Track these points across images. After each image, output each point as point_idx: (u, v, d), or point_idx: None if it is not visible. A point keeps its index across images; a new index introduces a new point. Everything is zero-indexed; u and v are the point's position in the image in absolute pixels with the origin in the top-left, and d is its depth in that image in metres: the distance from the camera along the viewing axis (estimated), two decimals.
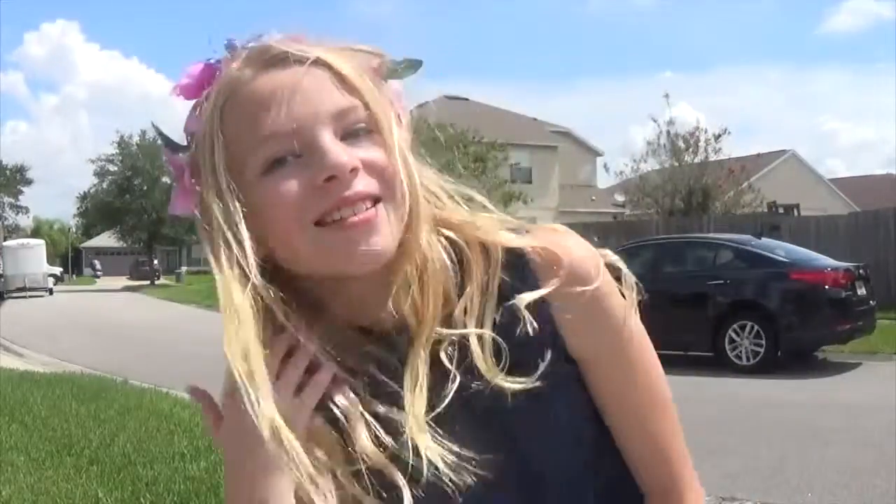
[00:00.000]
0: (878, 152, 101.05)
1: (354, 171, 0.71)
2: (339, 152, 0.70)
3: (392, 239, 0.73)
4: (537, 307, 0.77)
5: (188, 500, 3.89)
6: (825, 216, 18.25)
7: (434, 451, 0.73)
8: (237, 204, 0.72)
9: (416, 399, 0.74)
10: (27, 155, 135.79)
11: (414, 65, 0.81)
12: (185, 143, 0.77)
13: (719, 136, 21.38)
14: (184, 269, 49.69)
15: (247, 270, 0.71)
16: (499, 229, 0.80)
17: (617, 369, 0.82)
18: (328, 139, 0.71)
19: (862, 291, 9.26)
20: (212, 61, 0.77)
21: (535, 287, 0.77)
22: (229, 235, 0.72)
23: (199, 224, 0.75)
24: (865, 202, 28.48)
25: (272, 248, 0.74)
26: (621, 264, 0.83)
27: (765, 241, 10.24)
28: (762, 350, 8.83)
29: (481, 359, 0.75)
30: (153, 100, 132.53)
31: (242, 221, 0.72)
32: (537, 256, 0.79)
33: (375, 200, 0.72)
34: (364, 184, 0.72)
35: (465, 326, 0.76)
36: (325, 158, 0.70)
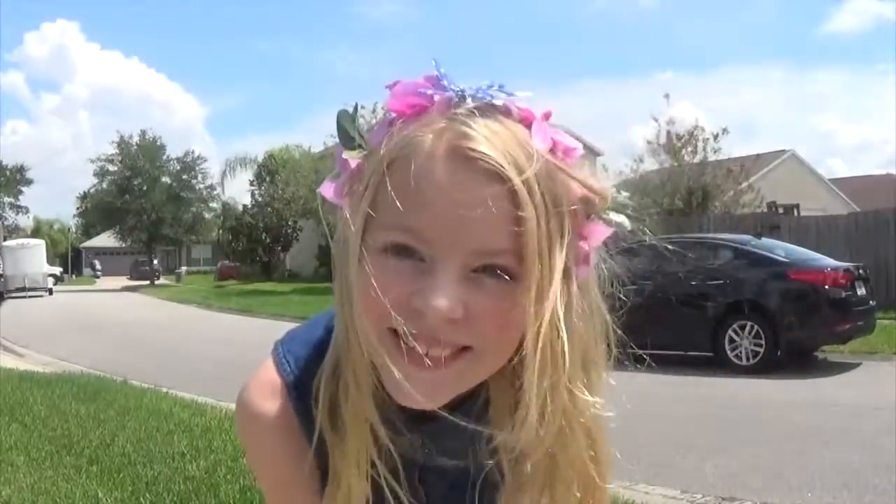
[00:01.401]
0: (878, 152, 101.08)
1: (451, 321, 0.65)
2: (445, 295, 0.64)
3: (454, 393, 0.69)
4: None
5: (188, 500, 3.88)
6: (825, 216, 18.24)
7: None
8: (357, 262, 0.68)
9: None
10: (28, 155, 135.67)
11: (627, 217, 0.74)
12: (357, 142, 0.72)
13: (717, 135, 21.38)
14: (183, 269, 49.78)
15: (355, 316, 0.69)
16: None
17: None
18: (451, 273, 0.65)
19: (862, 291, 9.26)
20: (430, 93, 0.69)
21: None
22: (345, 293, 0.70)
23: (337, 230, 0.73)
24: (865, 202, 28.46)
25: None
26: None
27: (765, 241, 10.25)
28: (762, 350, 8.83)
29: None
30: (153, 100, 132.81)
31: (356, 274, 0.68)
32: None
33: (462, 348, 0.67)
34: (455, 335, 0.66)
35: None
36: (431, 292, 0.65)
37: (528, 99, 0.70)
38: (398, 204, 0.66)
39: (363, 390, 0.72)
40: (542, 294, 0.65)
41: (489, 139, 0.65)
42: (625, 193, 0.74)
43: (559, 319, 0.66)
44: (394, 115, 0.70)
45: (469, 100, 0.68)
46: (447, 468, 0.77)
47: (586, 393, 0.70)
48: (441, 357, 0.66)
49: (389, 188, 0.67)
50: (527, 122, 0.69)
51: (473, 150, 0.65)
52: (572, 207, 0.68)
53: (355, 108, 0.74)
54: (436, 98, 0.69)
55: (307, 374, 0.78)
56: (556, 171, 0.68)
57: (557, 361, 0.66)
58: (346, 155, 0.72)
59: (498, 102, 0.69)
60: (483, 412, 0.74)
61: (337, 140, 0.74)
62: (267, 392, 0.79)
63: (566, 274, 0.67)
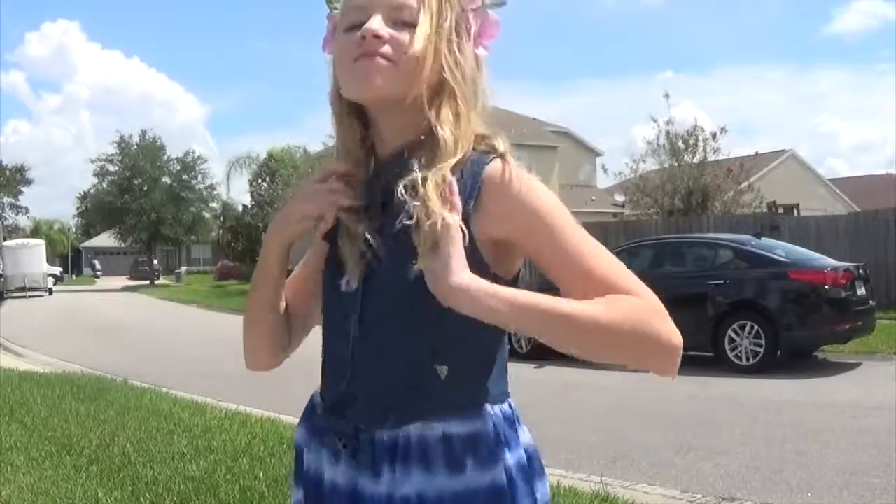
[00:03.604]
0: (878, 152, 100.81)
1: (377, 37, 1.04)
2: (374, 23, 1.04)
3: (392, 89, 1.04)
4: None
5: (188, 500, 3.88)
6: (825, 216, 18.23)
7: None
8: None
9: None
10: (29, 155, 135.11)
11: (498, 2, 1.12)
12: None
13: (715, 134, 21.34)
14: (183, 269, 49.67)
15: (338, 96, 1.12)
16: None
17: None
18: (377, 18, 1.05)
19: (862, 291, 9.26)
20: None
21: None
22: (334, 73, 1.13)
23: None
24: (865, 202, 28.46)
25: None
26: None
27: (765, 241, 10.24)
28: (762, 350, 8.83)
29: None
30: (154, 100, 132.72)
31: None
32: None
33: (389, 60, 1.04)
34: (383, 48, 1.04)
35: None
36: (365, 25, 1.04)
37: None
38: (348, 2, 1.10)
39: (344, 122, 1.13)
40: (440, 32, 1.05)
41: None
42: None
43: (458, 60, 1.07)
44: None
45: None
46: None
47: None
48: (378, 59, 1.04)
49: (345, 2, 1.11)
50: None
51: None
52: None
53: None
54: None
55: None
56: None
57: (461, 84, 1.07)
58: (333, 13, 1.15)
59: None
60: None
61: None
62: None
63: (456, 32, 1.07)
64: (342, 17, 1.10)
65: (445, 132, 1.05)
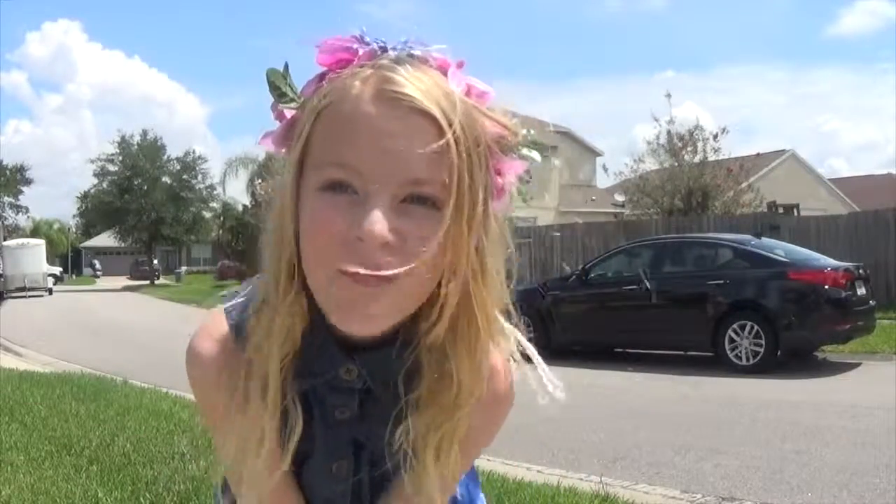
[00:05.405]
0: (878, 152, 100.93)
1: (385, 245, 0.71)
2: (377, 223, 0.71)
3: (395, 318, 0.76)
4: None
5: (188, 500, 3.88)
6: (825, 216, 18.23)
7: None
8: (294, 205, 0.76)
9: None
10: (31, 155, 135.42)
11: (541, 148, 0.83)
12: (295, 94, 0.80)
13: (716, 135, 21.34)
14: (183, 268, 49.71)
15: (288, 271, 0.78)
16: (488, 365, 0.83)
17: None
18: (382, 202, 0.72)
19: (862, 291, 9.26)
20: (355, 48, 0.77)
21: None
22: (280, 234, 0.78)
23: (270, 186, 0.84)
24: (865, 202, 28.45)
25: (302, 248, 0.77)
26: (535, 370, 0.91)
27: (765, 241, 10.24)
28: (762, 350, 8.83)
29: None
30: (155, 99, 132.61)
31: (291, 224, 0.76)
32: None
33: (394, 278, 0.73)
34: (388, 261, 0.72)
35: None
36: (365, 220, 0.71)
37: (443, 51, 0.77)
38: (330, 143, 0.73)
39: (273, 334, 0.79)
40: (469, 221, 0.74)
41: (411, 82, 0.73)
42: (532, 131, 0.83)
43: (484, 246, 0.77)
44: (324, 69, 0.78)
45: (390, 51, 0.76)
46: (379, 395, 0.84)
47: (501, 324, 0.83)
48: (380, 275, 0.72)
49: (321, 131, 0.74)
50: (443, 70, 0.77)
51: (397, 91, 0.72)
52: (488, 142, 0.77)
53: (286, 67, 0.81)
54: (360, 51, 0.76)
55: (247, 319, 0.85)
56: (472, 109, 0.76)
57: (482, 293, 0.78)
58: (281, 106, 0.80)
59: (416, 52, 0.76)
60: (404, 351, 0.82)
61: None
62: (214, 335, 0.86)
63: (485, 204, 0.77)
64: (314, 165, 0.74)
65: (462, 371, 0.80)
